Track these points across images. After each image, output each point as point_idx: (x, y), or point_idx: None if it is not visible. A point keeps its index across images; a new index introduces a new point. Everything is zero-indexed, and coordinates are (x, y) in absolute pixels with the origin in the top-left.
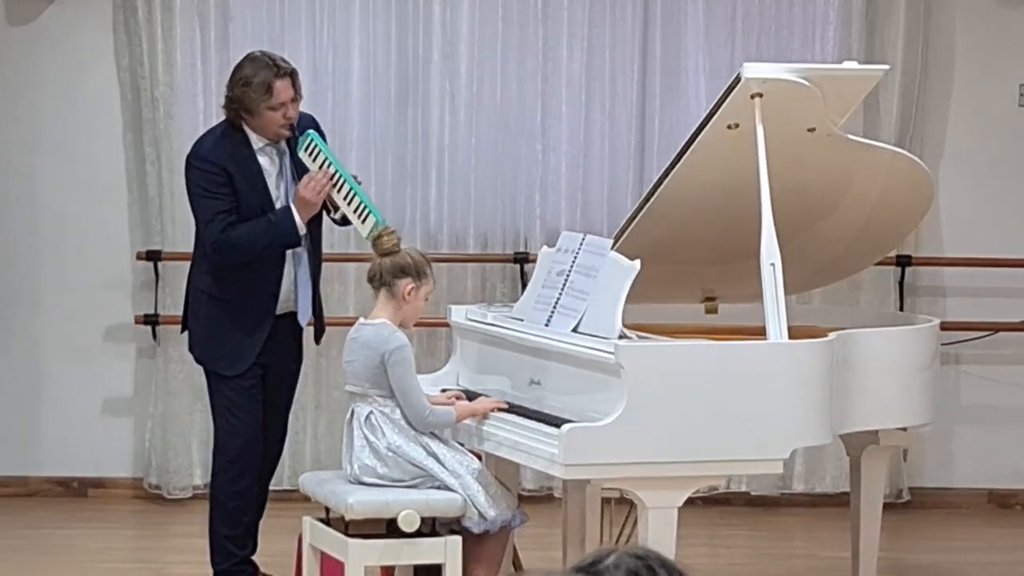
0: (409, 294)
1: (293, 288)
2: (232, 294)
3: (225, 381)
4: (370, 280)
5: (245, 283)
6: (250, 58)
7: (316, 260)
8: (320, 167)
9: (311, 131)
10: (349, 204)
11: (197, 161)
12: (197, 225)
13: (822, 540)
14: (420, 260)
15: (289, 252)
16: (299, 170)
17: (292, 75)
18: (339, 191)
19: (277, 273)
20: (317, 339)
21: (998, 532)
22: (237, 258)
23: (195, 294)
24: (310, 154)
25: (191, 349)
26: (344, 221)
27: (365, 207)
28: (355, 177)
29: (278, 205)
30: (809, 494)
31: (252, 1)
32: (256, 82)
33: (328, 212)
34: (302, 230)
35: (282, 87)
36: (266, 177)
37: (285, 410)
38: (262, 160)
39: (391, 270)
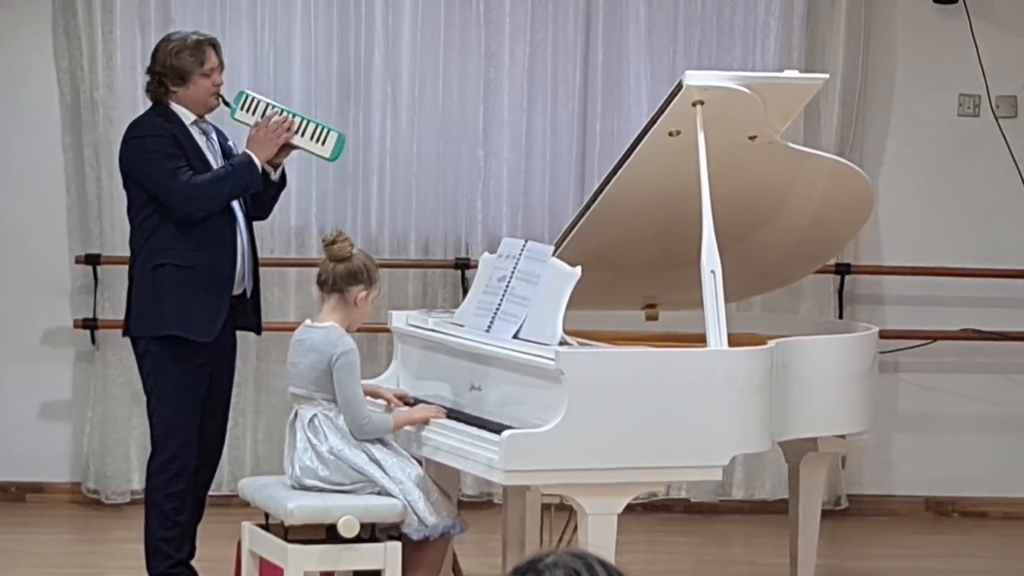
0: (360, 300)
1: (244, 262)
2: (196, 260)
3: (173, 377)
4: (321, 284)
5: (207, 248)
6: (169, 36)
7: (253, 248)
8: (263, 114)
9: (243, 89)
10: (304, 134)
11: (143, 130)
12: (156, 187)
13: (761, 547)
14: (371, 265)
15: (239, 231)
16: (224, 146)
17: (216, 44)
18: (290, 129)
19: (232, 240)
20: (259, 330)
21: (935, 539)
22: (206, 205)
23: (153, 273)
24: (249, 110)
25: (158, 327)
26: (282, 181)
27: (322, 128)
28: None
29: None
30: (748, 501)
31: (193, 5)
32: (189, 47)
33: (268, 174)
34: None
35: (212, 53)
36: (209, 148)
37: (224, 413)
38: (194, 135)
39: (345, 277)
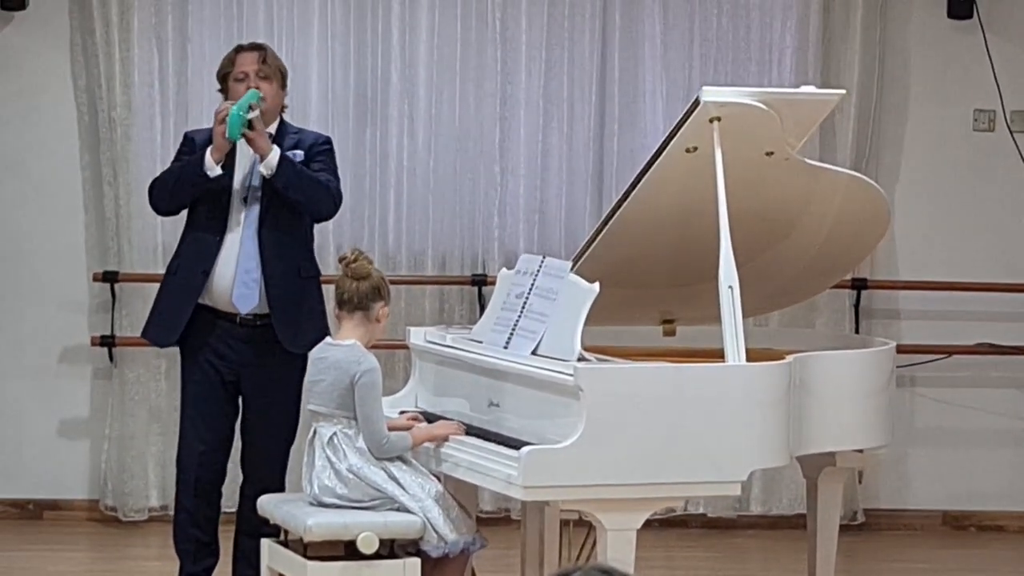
0: (382, 316)
1: (232, 276)
2: (175, 266)
3: (184, 386)
4: (343, 304)
5: (184, 255)
6: None
7: (273, 268)
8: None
9: (252, 89)
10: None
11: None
12: None
13: (779, 562)
14: (385, 280)
15: (236, 243)
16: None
17: (258, 49)
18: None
19: (212, 251)
20: (296, 345)
21: (952, 554)
22: (159, 195)
23: None
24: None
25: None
26: (290, 173)
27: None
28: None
29: (238, 179)
30: (766, 516)
31: (210, 23)
32: (225, 57)
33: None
34: (212, 169)
35: (245, 58)
36: (237, 157)
37: (261, 438)
38: (238, 143)
39: (369, 294)
